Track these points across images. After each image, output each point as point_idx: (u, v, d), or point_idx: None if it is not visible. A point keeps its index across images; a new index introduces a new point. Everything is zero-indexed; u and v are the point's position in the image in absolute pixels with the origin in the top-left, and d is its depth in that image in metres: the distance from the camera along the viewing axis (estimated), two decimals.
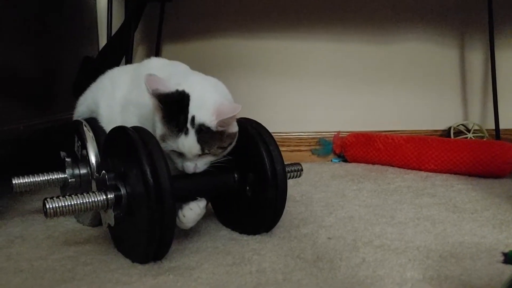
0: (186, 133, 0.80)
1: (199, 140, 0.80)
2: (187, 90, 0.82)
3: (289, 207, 1.07)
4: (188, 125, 0.80)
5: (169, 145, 0.81)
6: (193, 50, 1.65)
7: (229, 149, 0.85)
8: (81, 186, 0.95)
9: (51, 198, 0.75)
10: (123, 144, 0.79)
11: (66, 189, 0.99)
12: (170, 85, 0.83)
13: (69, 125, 1.01)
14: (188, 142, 0.80)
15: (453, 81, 1.73)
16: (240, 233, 0.91)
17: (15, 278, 0.73)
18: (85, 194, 0.77)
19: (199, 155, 0.82)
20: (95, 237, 0.90)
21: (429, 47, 1.69)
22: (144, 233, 0.75)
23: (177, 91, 0.82)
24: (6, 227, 0.96)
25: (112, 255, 0.82)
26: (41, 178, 0.96)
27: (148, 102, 0.84)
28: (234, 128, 0.85)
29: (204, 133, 0.80)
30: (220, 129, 0.81)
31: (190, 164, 0.82)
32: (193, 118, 0.80)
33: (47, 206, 0.74)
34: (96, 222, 0.94)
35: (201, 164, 0.83)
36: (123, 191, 0.78)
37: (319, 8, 1.65)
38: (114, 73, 1.04)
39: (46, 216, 0.75)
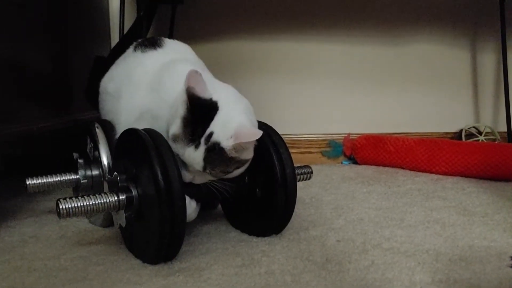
0: (197, 146, 0.77)
1: (205, 159, 0.77)
2: (219, 103, 0.79)
3: (299, 209, 1.08)
4: (202, 139, 0.77)
5: (176, 148, 0.79)
6: (204, 51, 1.65)
7: (234, 173, 0.81)
8: (93, 187, 0.96)
9: (64, 199, 0.76)
10: (135, 146, 0.80)
11: (78, 190, 1.00)
12: (207, 91, 0.79)
13: (82, 126, 1.02)
14: (194, 156, 0.77)
15: (465, 83, 1.72)
16: (250, 234, 0.92)
17: (29, 277, 0.75)
18: (97, 195, 0.78)
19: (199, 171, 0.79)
20: (106, 238, 0.92)
21: (441, 49, 1.69)
22: (155, 234, 0.76)
23: (210, 100, 0.79)
24: (20, 227, 0.98)
25: (123, 256, 0.83)
26: (54, 179, 0.98)
27: (165, 114, 0.82)
28: (249, 154, 0.81)
29: (214, 154, 0.77)
30: (233, 154, 0.78)
31: (188, 175, 0.81)
32: (210, 134, 0.77)
33: (60, 207, 0.76)
34: (108, 222, 0.95)
35: (199, 179, 0.82)
36: (134, 192, 0.79)
37: (330, 10, 1.65)
38: (147, 62, 0.96)
39: (59, 216, 0.76)
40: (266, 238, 0.90)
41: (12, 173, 1.09)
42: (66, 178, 0.99)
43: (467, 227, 0.96)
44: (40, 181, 0.97)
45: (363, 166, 1.59)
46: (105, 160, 0.92)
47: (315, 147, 1.68)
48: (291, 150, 0.89)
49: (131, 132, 0.82)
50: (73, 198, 0.77)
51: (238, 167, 0.81)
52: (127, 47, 1.05)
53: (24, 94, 1.12)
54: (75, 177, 0.99)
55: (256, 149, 0.84)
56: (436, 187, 1.29)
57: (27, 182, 0.96)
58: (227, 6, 1.64)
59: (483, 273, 0.74)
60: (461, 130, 1.70)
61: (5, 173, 0.98)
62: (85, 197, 0.77)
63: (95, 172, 0.96)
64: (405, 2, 1.65)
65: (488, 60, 1.70)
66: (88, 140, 0.97)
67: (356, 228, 0.96)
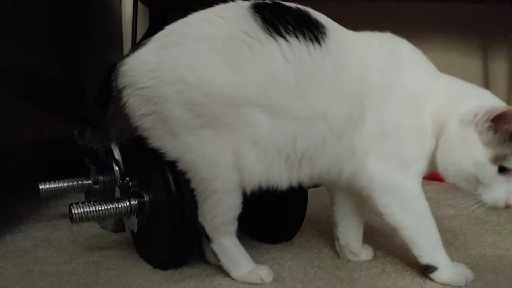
0: None
1: None
2: None
3: (310, 216, 1.07)
4: None
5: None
6: None
7: None
8: (105, 192, 0.97)
9: (77, 204, 0.77)
10: (146, 151, 0.80)
11: (90, 195, 1.01)
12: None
13: None
14: None
15: None
16: (260, 241, 0.92)
17: (41, 281, 0.75)
18: (109, 200, 0.79)
19: None
20: (117, 243, 0.92)
21: (453, 57, 1.68)
22: (166, 239, 0.76)
23: None
24: (32, 231, 0.99)
25: (135, 261, 0.83)
26: (67, 184, 0.99)
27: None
28: None
29: None
30: None
31: None
32: None
33: (73, 212, 0.76)
34: (119, 228, 0.96)
35: None
36: (146, 198, 0.79)
37: (345, 15, 1.66)
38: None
39: (71, 221, 0.77)
40: (276, 245, 0.90)
41: (25, 178, 1.10)
42: (78, 183, 1.00)
43: (479, 236, 0.96)
44: (53, 186, 0.98)
45: None
46: (117, 165, 0.93)
47: None
48: None
49: (142, 138, 0.82)
50: (86, 203, 0.77)
51: None
52: None
53: (37, 100, 1.13)
54: (87, 182, 1.00)
55: None
56: (448, 195, 1.28)
57: (40, 187, 0.97)
58: None
59: (495, 283, 0.74)
60: None
61: (18, 177, 1.00)
62: (98, 202, 0.78)
63: (107, 178, 0.97)
64: (418, 11, 1.66)
65: (500, 68, 1.69)
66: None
67: (367, 235, 0.95)
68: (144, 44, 0.74)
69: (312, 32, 0.70)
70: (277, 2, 0.74)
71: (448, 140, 0.74)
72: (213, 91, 0.68)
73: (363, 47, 0.76)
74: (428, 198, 1.22)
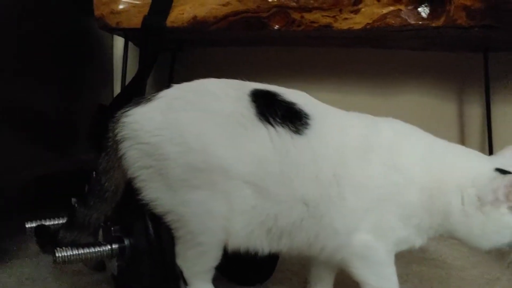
0: None
1: None
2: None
3: (283, 257, 1.11)
4: None
5: None
6: None
7: None
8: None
9: (61, 247, 0.82)
10: (128, 196, 0.84)
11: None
12: None
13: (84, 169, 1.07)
14: None
15: (451, 134, 1.78)
16: (237, 283, 0.96)
17: None
18: (92, 244, 0.83)
19: None
20: (99, 282, 0.96)
21: (429, 101, 1.75)
22: (146, 284, 0.80)
23: None
24: (17, 268, 1.02)
25: None
26: (52, 223, 1.02)
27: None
28: None
29: None
30: None
31: None
32: None
33: (57, 255, 0.81)
34: (100, 266, 0.99)
35: None
36: (126, 242, 0.84)
37: (325, 61, 1.73)
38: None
39: (55, 263, 0.81)
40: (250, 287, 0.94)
41: (11, 215, 1.13)
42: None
43: (444, 281, 1.01)
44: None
45: None
46: None
47: None
48: None
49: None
50: (69, 247, 0.82)
51: None
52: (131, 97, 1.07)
53: (28, 137, 1.17)
54: None
55: None
56: None
57: (27, 226, 1.00)
58: (225, 57, 1.71)
59: None
60: None
61: (6, 216, 1.03)
62: (80, 245, 0.82)
63: None
64: (395, 57, 1.73)
65: (474, 112, 1.76)
66: (86, 188, 1.02)
67: (337, 278, 0.99)
68: (150, 99, 0.78)
69: (294, 124, 0.77)
70: (272, 92, 0.80)
71: (471, 224, 0.78)
72: (213, 161, 0.73)
73: (343, 132, 0.81)
74: None
